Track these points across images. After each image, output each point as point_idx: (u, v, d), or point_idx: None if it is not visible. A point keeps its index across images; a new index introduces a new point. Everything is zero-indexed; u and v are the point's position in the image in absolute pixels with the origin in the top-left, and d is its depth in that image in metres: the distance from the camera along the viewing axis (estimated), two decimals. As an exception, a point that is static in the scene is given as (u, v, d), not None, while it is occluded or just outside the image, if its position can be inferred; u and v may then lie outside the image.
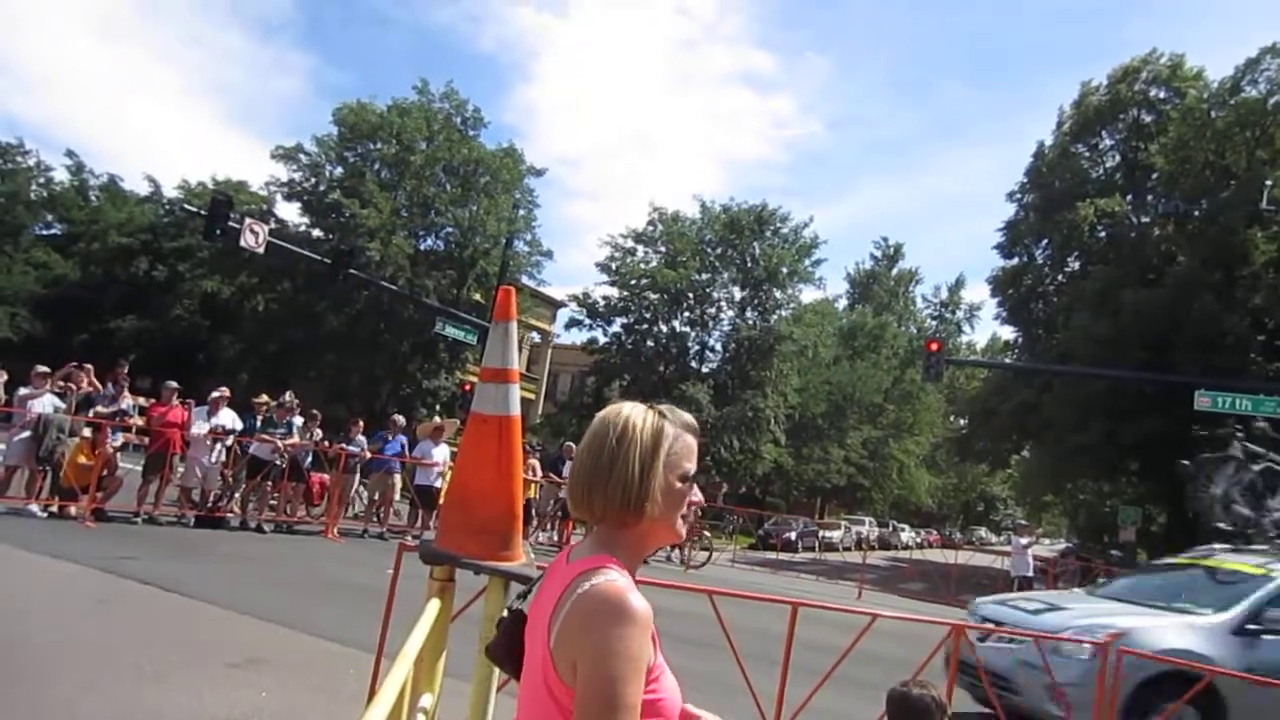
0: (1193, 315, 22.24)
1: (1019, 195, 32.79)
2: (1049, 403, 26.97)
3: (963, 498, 69.53)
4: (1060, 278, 31.95)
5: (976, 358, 51.55)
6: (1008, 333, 39.26)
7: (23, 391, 10.06)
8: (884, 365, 45.25)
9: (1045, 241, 31.61)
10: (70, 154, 43.76)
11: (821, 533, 33.35)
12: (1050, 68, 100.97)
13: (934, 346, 22.08)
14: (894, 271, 57.45)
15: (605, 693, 1.15)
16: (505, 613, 1.57)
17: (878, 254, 57.74)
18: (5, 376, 10.23)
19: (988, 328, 72.75)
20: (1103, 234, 29.26)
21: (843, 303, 53.07)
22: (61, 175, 41.86)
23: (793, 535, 29.31)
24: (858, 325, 47.35)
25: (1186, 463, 12.23)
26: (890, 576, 24.05)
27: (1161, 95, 29.01)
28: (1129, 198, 29.35)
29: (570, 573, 1.29)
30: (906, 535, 44.99)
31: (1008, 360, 38.62)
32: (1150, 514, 31.83)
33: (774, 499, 40.68)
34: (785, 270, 34.32)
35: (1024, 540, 17.11)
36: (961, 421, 43.10)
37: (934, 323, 57.70)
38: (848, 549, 32.66)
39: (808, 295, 38.10)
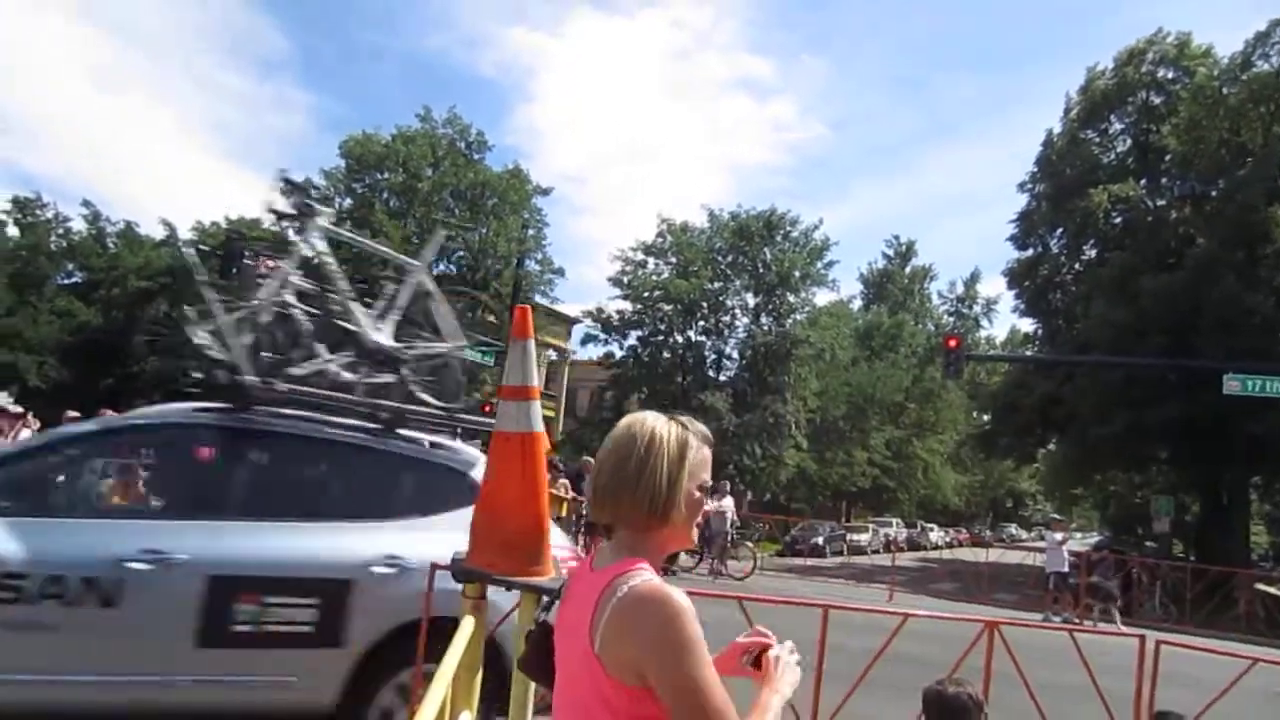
0: (1215, 297, 21.94)
1: (1030, 185, 32.61)
2: (1072, 394, 26.69)
3: (990, 495, 68.76)
4: (1077, 266, 31.66)
5: (996, 352, 51.13)
6: (1027, 325, 38.90)
7: (54, 436, 10.23)
8: (903, 364, 44.96)
9: (1059, 230, 31.35)
10: (86, 203, 44.67)
11: (849, 536, 33.11)
12: (1055, 54, 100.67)
13: (952, 343, 21.94)
14: (908, 269, 57.12)
15: (689, 682, 1.24)
16: (532, 626, 1.61)
17: (890, 252, 57.51)
18: (38, 424, 10.42)
19: (1006, 321, 72.30)
20: (1118, 220, 28.99)
21: (857, 303, 52.88)
22: (79, 225, 42.71)
23: (820, 540, 29.11)
24: (874, 325, 47.14)
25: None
26: (920, 577, 23.85)
27: (1170, 75, 28.78)
28: (1143, 182, 29.10)
29: (602, 578, 1.34)
30: (935, 535, 44.59)
31: (1028, 353, 38.29)
32: (1184, 503, 31.34)
33: (799, 504, 40.46)
34: (798, 274, 34.23)
35: (1058, 536, 16.89)
36: (984, 417, 42.75)
37: (951, 319, 57.29)
38: (876, 551, 32.41)
39: (822, 298, 37.94)
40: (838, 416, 39.61)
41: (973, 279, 57.87)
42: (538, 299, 33.82)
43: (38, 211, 41.74)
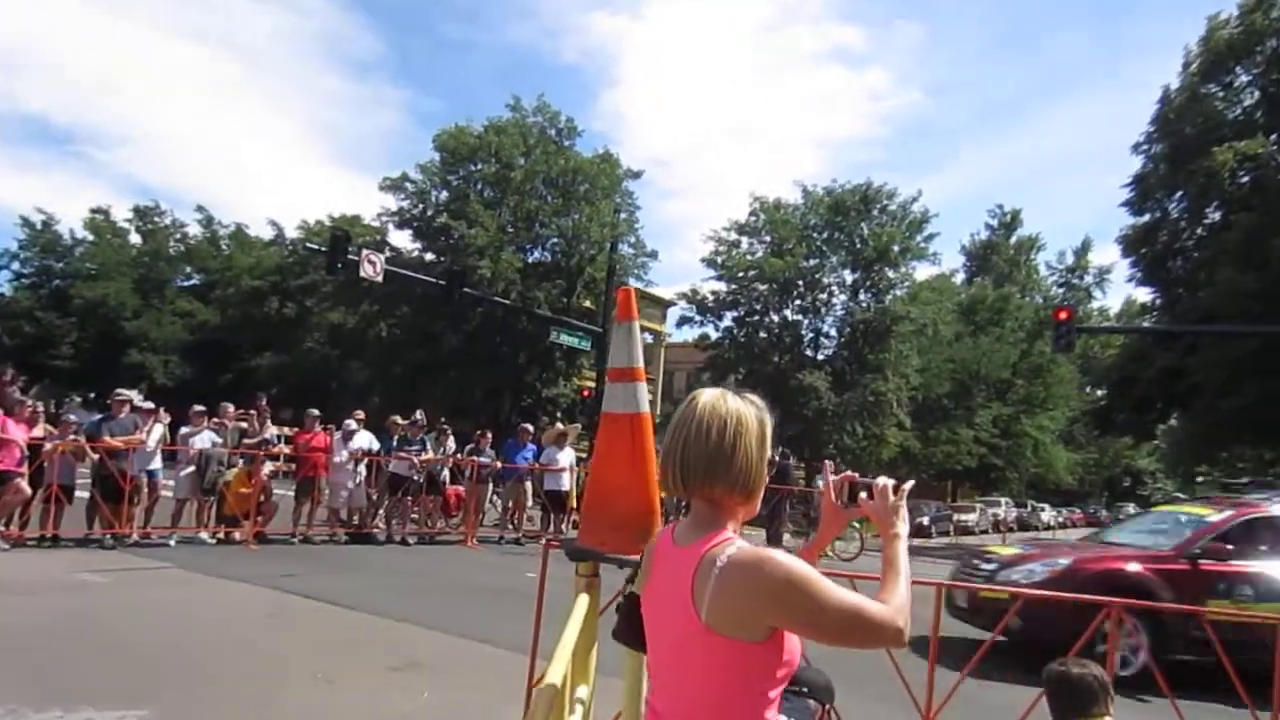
0: (1357, 257, 20.25)
1: (1145, 146, 30.66)
2: (1195, 366, 25.13)
3: (1106, 473, 65.53)
4: (1199, 231, 29.63)
5: (1110, 324, 48.55)
6: (1143, 294, 36.73)
7: (184, 430, 10.99)
8: (1009, 339, 43.23)
9: (1179, 193, 29.40)
10: (200, 209, 47.37)
11: (955, 516, 32.22)
12: (1167, 5, 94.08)
13: (1063, 315, 20.94)
14: (1012, 240, 54.68)
15: (816, 609, 1.31)
16: (621, 599, 1.69)
17: (993, 223, 55.10)
18: (169, 419, 11.16)
19: (1121, 291, 68.39)
20: (1245, 179, 26.96)
21: (960, 277, 51.02)
22: (194, 229, 45.47)
23: (925, 520, 28.43)
24: (978, 299, 45.42)
25: None
26: (1033, 558, 22.95)
27: (1304, 20, 26.56)
28: (1273, 137, 27.00)
29: (693, 554, 1.40)
30: (1047, 515, 42.85)
31: (1146, 324, 36.20)
32: (1324, 479, 29.10)
33: (902, 485, 39.47)
34: (896, 248, 33.23)
35: (1181, 515, 15.98)
36: (1099, 392, 40.71)
37: (1061, 290, 54.64)
38: (984, 531, 31.43)
39: (922, 272, 36.76)
40: (941, 394, 38.46)
41: (1083, 248, 55.02)
42: (632, 282, 33.98)
43: (155, 219, 44.67)
